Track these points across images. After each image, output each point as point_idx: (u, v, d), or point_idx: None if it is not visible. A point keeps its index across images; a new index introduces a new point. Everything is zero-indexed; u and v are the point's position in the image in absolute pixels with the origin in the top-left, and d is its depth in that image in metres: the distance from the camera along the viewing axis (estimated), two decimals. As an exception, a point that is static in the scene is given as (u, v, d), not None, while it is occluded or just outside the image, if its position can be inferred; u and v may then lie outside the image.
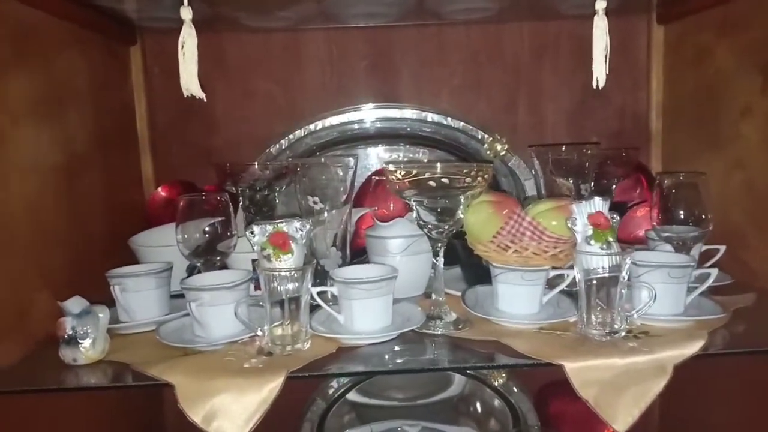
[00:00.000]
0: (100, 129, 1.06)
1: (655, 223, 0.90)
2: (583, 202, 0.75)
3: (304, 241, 0.77)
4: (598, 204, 0.75)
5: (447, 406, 1.30)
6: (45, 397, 0.79)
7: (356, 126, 1.20)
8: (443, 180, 0.75)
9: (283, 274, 0.74)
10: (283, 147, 1.19)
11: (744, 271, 0.93)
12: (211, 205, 0.90)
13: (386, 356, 0.75)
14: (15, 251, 0.79)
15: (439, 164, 0.77)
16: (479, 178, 0.76)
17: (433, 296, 0.85)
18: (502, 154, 1.19)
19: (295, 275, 0.74)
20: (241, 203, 1.06)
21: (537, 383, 1.25)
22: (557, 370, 1.22)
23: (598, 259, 0.73)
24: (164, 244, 0.98)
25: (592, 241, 0.74)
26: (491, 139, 1.17)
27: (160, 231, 1.05)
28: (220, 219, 0.90)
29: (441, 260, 0.83)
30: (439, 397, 1.33)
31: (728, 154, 0.99)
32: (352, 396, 1.26)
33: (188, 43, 0.69)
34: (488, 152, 1.19)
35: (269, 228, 0.75)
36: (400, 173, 0.77)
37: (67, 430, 0.88)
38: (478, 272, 0.93)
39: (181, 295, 0.89)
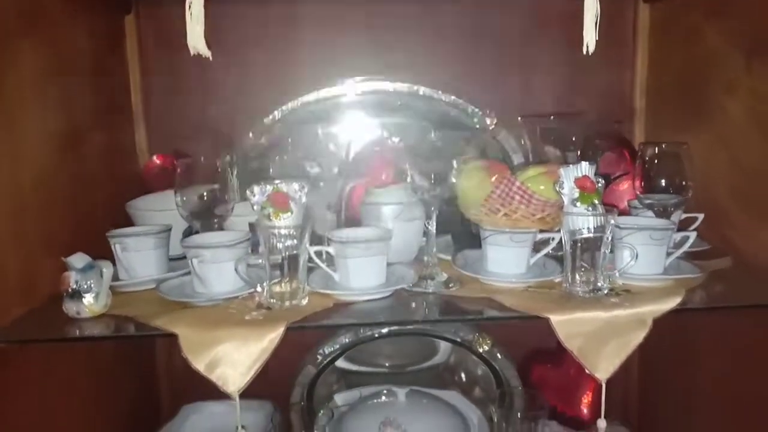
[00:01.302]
0: (96, 99, 1.07)
1: (638, 192, 0.94)
2: (570, 166, 0.79)
3: (303, 201, 0.80)
4: (585, 168, 0.79)
5: (433, 373, 1.34)
6: (47, 350, 0.82)
7: (348, 98, 1.22)
8: (437, 144, 0.78)
9: (282, 231, 0.76)
10: (277, 118, 1.21)
11: (723, 245, 0.97)
12: (210, 170, 0.92)
13: (380, 311, 0.79)
14: (23, 217, 0.81)
15: (433, 131, 0.80)
16: (471, 143, 0.79)
17: (425, 258, 0.88)
18: (491, 128, 1.23)
19: (294, 233, 0.77)
20: (235, 172, 1.08)
21: (521, 350, 1.30)
22: (541, 336, 1.26)
23: (583, 220, 0.77)
24: (162, 208, 1.00)
25: (578, 203, 0.78)
26: (481, 113, 1.20)
27: (157, 196, 1.07)
28: (217, 184, 0.92)
29: (433, 223, 0.87)
30: (425, 364, 1.37)
31: (711, 131, 1.02)
32: (341, 363, 1.29)
33: (195, 2, 0.71)
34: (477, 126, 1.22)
35: (269, 188, 0.78)
36: (396, 138, 0.80)
37: (67, 383, 0.91)
38: (468, 240, 0.96)
39: (179, 259, 0.91)
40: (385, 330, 1.25)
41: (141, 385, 1.25)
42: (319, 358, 1.25)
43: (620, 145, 1.17)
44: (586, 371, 0.74)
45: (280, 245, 0.76)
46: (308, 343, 1.23)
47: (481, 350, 1.26)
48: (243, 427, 0.73)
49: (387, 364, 1.35)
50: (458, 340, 1.27)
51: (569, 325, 0.73)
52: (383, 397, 1.19)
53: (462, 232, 1.03)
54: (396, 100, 1.23)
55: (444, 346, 1.37)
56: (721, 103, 1.00)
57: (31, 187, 0.83)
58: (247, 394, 1.08)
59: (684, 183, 0.89)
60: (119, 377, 1.12)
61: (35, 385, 0.81)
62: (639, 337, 0.72)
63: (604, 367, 0.72)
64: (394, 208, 0.97)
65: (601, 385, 1.25)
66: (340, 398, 1.23)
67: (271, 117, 1.21)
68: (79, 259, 0.77)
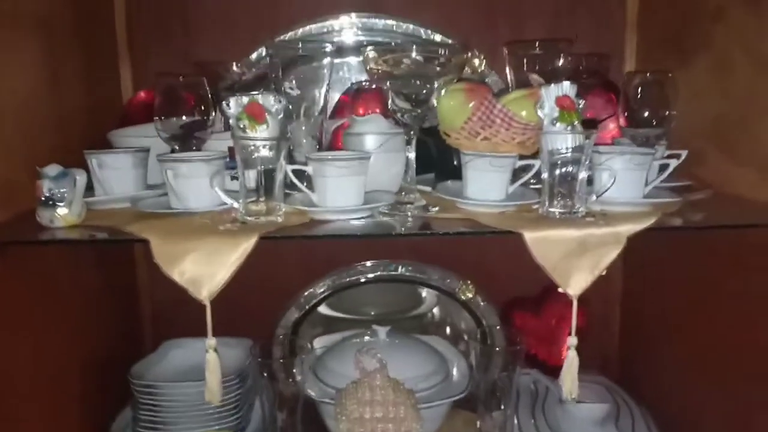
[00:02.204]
0: (79, 33, 1.06)
1: (622, 125, 0.93)
2: (552, 85, 0.78)
3: (280, 116, 0.79)
4: (566, 87, 0.78)
5: (417, 324, 1.34)
6: (25, 274, 0.82)
7: (336, 36, 1.21)
8: (418, 58, 0.77)
9: (258, 143, 0.75)
10: (263, 54, 1.20)
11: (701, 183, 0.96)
12: (191, 90, 0.91)
13: (357, 229, 0.78)
14: (6, 141, 0.81)
15: (414, 46, 0.79)
16: (452, 60, 0.78)
17: (404, 184, 0.87)
18: (480, 70, 1.22)
19: (270, 145, 0.76)
20: (218, 106, 1.07)
21: (503, 297, 1.30)
22: (523, 285, 1.25)
23: (562, 140, 0.76)
24: (143, 135, 0.99)
25: (558, 123, 0.77)
26: (469, 54, 1.19)
27: (139, 127, 1.06)
28: (197, 110, 0.91)
29: (413, 149, 0.86)
30: (410, 314, 1.37)
31: (701, 67, 1.00)
32: (324, 310, 1.29)
33: None
34: (466, 69, 1.21)
35: (245, 99, 0.77)
36: (377, 55, 0.79)
37: (47, 312, 0.91)
38: (451, 177, 0.95)
39: (159, 186, 0.91)
40: (371, 275, 1.25)
41: (123, 321, 1.25)
42: (302, 300, 1.25)
43: (606, 89, 1.15)
44: (560, 291, 0.74)
45: (255, 156, 0.75)
46: (292, 290, 1.23)
47: (464, 298, 1.26)
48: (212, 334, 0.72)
49: (371, 313, 1.35)
50: (442, 287, 1.27)
51: (543, 242, 0.72)
52: (364, 338, 1.18)
53: (445, 171, 1.02)
54: (382, 39, 1.22)
55: (429, 299, 1.37)
56: (709, 35, 0.98)
57: (12, 113, 0.84)
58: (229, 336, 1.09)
59: (667, 113, 0.89)
60: (101, 311, 1.12)
61: (13, 310, 0.81)
62: (613, 253, 0.72)
63: (576, 282, 0.72)
64: (376, 138, 0.96)
65: (581, 333, 1.26)
66: (320, 341, 1.23)
67: (255, 54, 1.21)
68: (52, 168, 0.76)
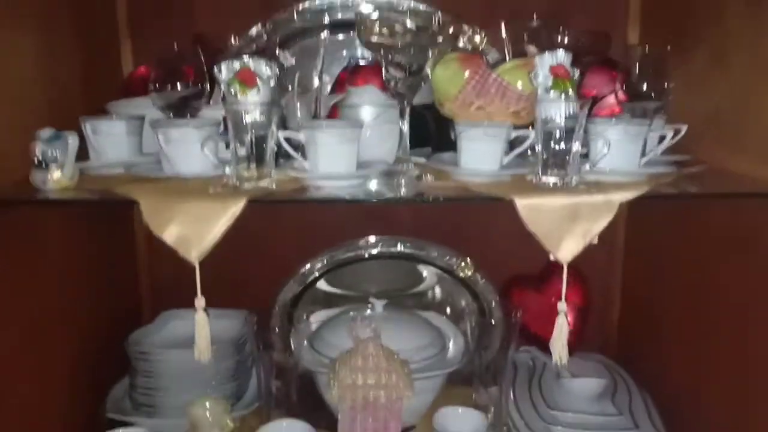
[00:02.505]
0: (80, 10, 1.07)
1: (620, 98, 0.92)
2: (546, 54, 0.77)
3: (271, 82, 0.78)
4: (561, 56, 0.77)
5: (417, 300, 1.34)
6: (23, 243, 0.83)
7: (342, 12, 1.20)
8: (411, 27, 0.77)
9: (249, 108, 0.75)
10: (261, 30, 1.19)
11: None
12: (186, 61, 0.91)
13: (347, 193, 0.78)
14: (4, 119, 0.82)
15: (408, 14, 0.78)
16: (445, 28, 0.77)
17: (398, 154, 0.87)
18: (480, 48, 1.21)
19: (261, 110, 0.76)
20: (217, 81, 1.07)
21: (505, 274, 1.29)
22: (526, 262, 1.24)
23: (556, 108, 0.75)
24: (142, 107, 0.99)
25: (552, 91, 0.76)
26: (468, 29, 1.18)
27: (138, 99, 1.06)
28: (196, 77, 0.91)
29: (407, 120, 0.85)
30: (409, 292, 1.37)
31: (706, 51, 0.99)
32: (324, 286, 1.29)
33: None
34: (468, 46, 1.20)
35: (236, 64, 0.76)
36: (370, 22, 0.79)
37: (47, 283, 0.92)
38: (448, 151, 0.95)
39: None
40: (371, 251, 1.25)
41: (122, 293, 1.26)
42: (301, 276, 1.26)
43: (609, 67, 1.14)
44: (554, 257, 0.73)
45: (247, 120, 0.75)
46: (290, 265, 1.24)
47: (463, 275, 1.26)
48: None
49: (371, 290, 1.35)
50: (441, 264, 1.27)
51: (535, 209, 0.72)
52: (362, 312, 1.19)
53: (441, 145, 1.02)
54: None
55: (429, 277, 1.37)
56: (714, 28, 0.96)
57: (12, 96, 0.85)
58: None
59: (666, 86, 0.87)
60: (99, 283, 1.13)
61: (10, 278, 0.82)
62: (604, 220, 0.71)
63: (566, 248, 0.71)
64: (371, 109, 0.96)
65: (582, 311, 1.25)
66: (317, 316, 1.24)
67: (255, 29, 1.20)
68: (45, 131, 0.77)
